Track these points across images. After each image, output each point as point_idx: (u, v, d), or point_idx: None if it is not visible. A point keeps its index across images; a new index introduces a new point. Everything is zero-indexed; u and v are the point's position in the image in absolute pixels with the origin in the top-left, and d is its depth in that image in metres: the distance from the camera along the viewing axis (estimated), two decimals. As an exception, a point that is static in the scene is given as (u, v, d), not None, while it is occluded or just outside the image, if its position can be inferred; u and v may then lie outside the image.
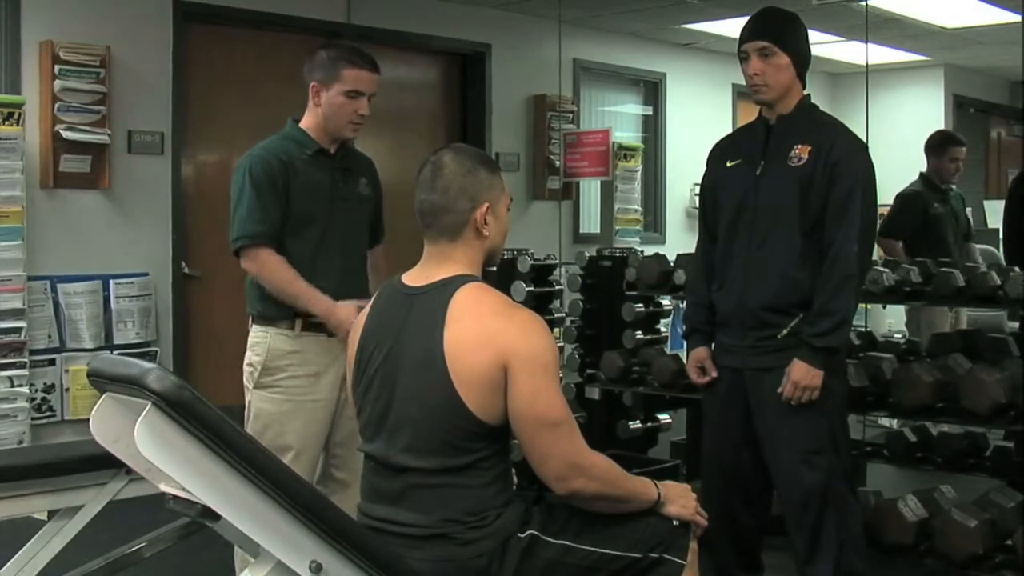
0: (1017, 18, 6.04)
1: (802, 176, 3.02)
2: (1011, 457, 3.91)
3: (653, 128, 8.22)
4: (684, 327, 3.44)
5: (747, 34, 3.12)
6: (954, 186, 5.66)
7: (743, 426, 3.15)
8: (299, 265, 3.01)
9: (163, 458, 1.85)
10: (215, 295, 5.68)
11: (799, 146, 3.05)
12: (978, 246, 5.91)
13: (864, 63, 6.36)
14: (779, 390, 3.01)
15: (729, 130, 7.17)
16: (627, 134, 7.99)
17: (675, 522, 2.23)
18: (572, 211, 7.49)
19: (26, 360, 4.94)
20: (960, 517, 3.45)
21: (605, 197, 7.13)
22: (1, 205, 4.83)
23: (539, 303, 4.67)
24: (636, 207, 7.27)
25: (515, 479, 2.25)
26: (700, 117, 8.17)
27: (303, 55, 3.20)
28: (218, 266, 5.62)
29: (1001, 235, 5.51)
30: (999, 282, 3.67)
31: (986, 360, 3.82)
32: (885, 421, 4.96)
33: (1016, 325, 4.41)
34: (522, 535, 2.12)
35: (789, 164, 3.05)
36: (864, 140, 3.26)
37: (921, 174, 5.64)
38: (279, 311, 3.04)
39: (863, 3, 6.36)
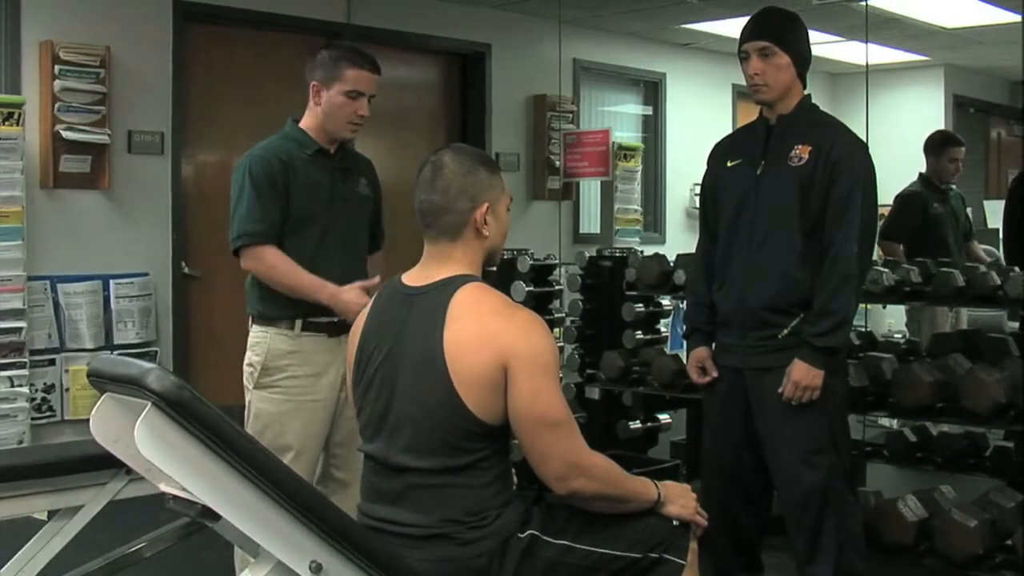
0: (1017, 18, 6.04)
1: (802, 176, 3.02)
2: (1011, 457, 3.91)
3: (653, 128, 8.22)
4: (685, 327, 3.44)
5: (747, 34, 3.12)
6: (954, 186, 5.66)
7: (743, 426, 3.15)
8: (299, 264, 3.01)
9: (163, 458, 1.85)
10: (215, 295, 5.68)
11: (799, 146, 3.05)
12: (981, 246, 5.91)
13: (864, 63, 6.36)
14: (779, 390, 3.01)
15: (729, 130, 7.17)
16: (627, 134, 7.99)
17: (675, 522, 2.23)
18: (572, 211, 7.50)
19: (26, 360, 4.94)
20: (960, 517, 3.45)
21: (605, 197, 7.13)
22: (1, 205, 4.83)
23: (539, 303, 4.67)
24: (636, 207, 7.27)
25: (515, 479, 2.25)
26: (700, 117, 8.17)
27: (303, 55, 3.21)
28: (218, 266, 5.61)
29: (1001, 235, 5.51)
30: (999, 282, 3.67)
31: (986, 360, 3.82)
32: (885, 421, 4.96)
33: (1016, 325, 4.41)
34: (522, 535, 2.12)
35: (789, 164, 3.05)
36: (864, 140, 3.27)
37: (920, 174, 5.64)
38: (279, 311, 3.04)
39: (863, 3, 6.36)
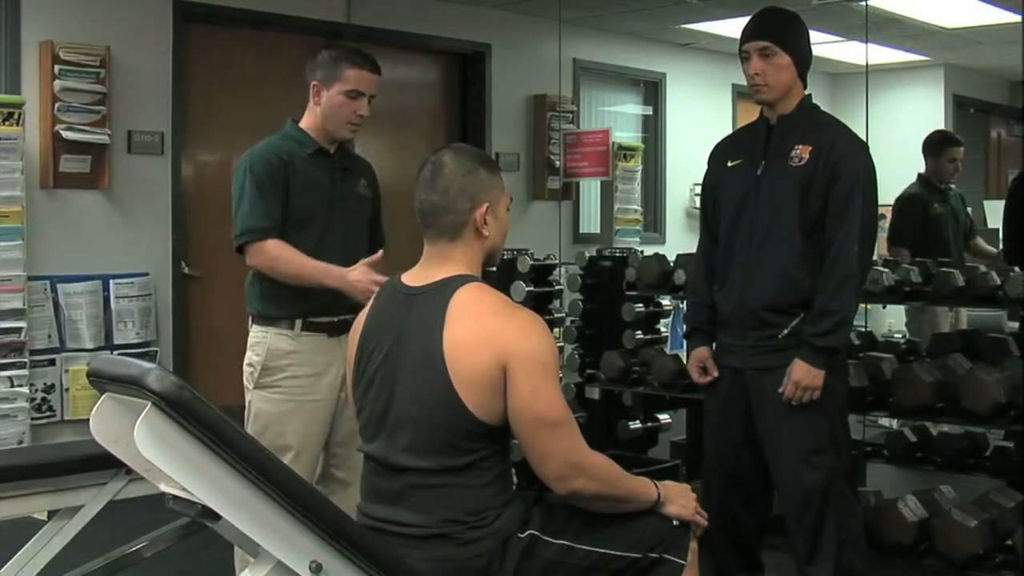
0: (1017, 18, 6.04)
1: (803, 176, 3.02)
2: (1011, 457, 3.91)
3: (653, 128, 8.22)
4: (685, 327, 3.44)
5: (748, 34, 3.12)
6: (953, 186, 5.66)
7: (744, 426, 3.15)
8: None
9: (163, 458, 1.85)
10: (215, 295, 5.68)
11: (800, 146, 3.05)
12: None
13: (864, 63, 6.35)
14: (780, 390, 3.01)
15: (729, 130, 7.17)
16: (627, 134, 7.98)
17: (675, 522, 2.23)
18: (572, 211, 7.49)
19: (26, 360, 4.94)
20: (960, 517, 3.45)
21: (605, 197, 7.13)
22: (1, 205, 4.83)
23: (539, 303, 4.67)
24: (636, 207, 7.27)
25: (515, 479, 2.25)
26: (700, 117, 8.17)
27: (303, 55, 3.22)
28: (218, 266, 5.62)
29: (1001, 235, 5.51)
30: (999, 282, 3.67)
31: (986, 360, 3.83)
32: (885, 421, 4.96)
33: (1016, 325, 4.41)
34: (522, 535, 2.12)
35: (790, 164, 3.05)
36: (864, 140, 3.27)
37: (919, 175, 5.64)
38: (279, 311, 3.04)
39: (863, 3, 6.36)
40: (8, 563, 2.87)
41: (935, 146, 5.59)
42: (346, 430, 3.05)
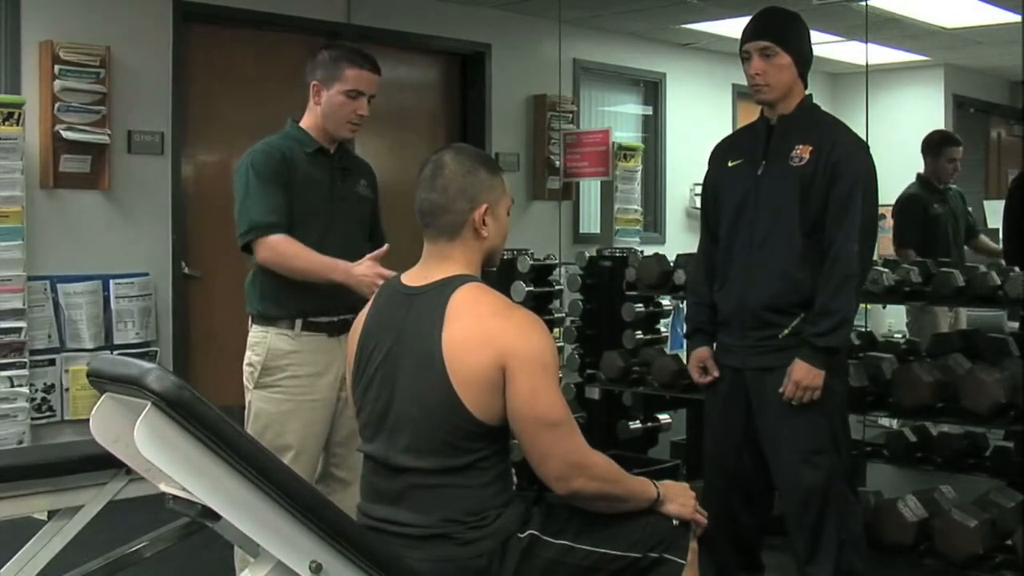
0: (1017, 18, 6.04)
1: (803, 176, 3.02)
2: (1011, 457, 3.91)
3: (653, 128, 8.22)
4: (686, 327, 3.44)
5: (749, 34, 3.12)
6: (953, 186, 5.65)
7: (744, 426, 3.15)
8: None
9: (163, 458, 1.85)
10: (215, 295, 5.67)
11: (800, 146, 3.05)
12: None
13: (864, 63, 6.35)
14: (780, 390, 3.01)
15: (729, 130, 7.18)
16: (627, 134, 7.98)
17: (675, 521, 2.23)
18: (572, 211, 7.49)
19: (26, 360, 4.94)
20: (960, 517, 3.45)
21: (605, 197, 7.13)
22: (1, 205, 4.83)
23: (539, 303, 4.67)
24: (636, 207, 7.27)
25: (515, 479, 2.25)
26: (700, 117, 8.17)
27: (303, 55, 3.22)
28: (218, 266, 5.62)
29: (1001, 235, 5.51)
30: (999, 282, 3.67)
31: (986, 360, 3.83)
32: (885, 421, 4.96)
33: (1016, 325, 4.41)
34: (522, 535, 2.12)
35: (790, 164, 3.05)
36: (864, 140, 3.27)
37: (918, 175, 5.63)
38: (279, 311, 3.04)
39: (863, 3, 6.36)
40: (8, 563, 2.87)
41: (934, 146, 5.59)
42: (346, 430, 3.05)
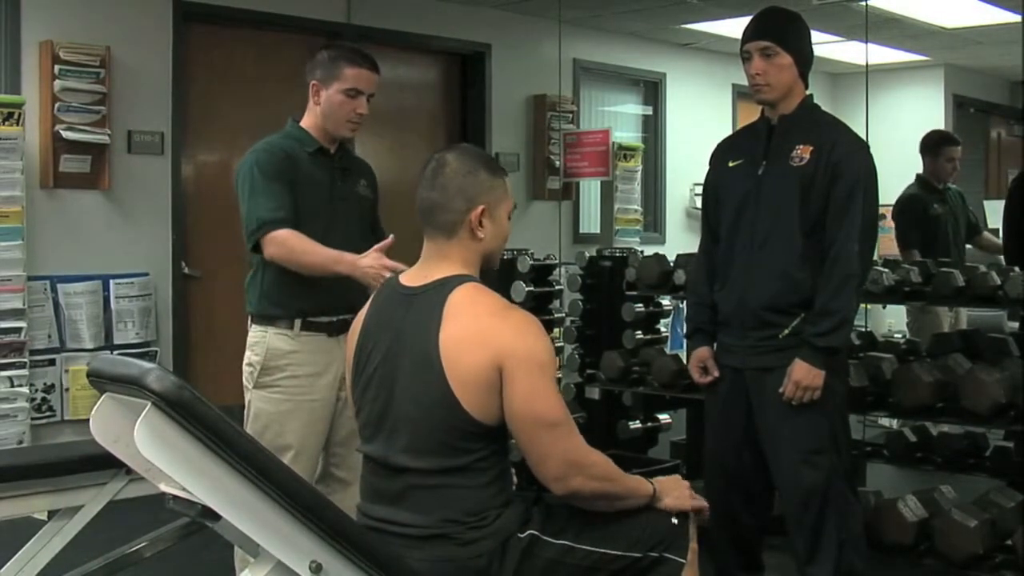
0: (1017, 18, 6.04)
1: (803, 176, 3.02)
2: (1011, 457, 3.91)
3: (653, 128, 8.22)
4: (686, 327, 3.44)
5: (749, 34, 3.12)
6: (952, 185, 5.65)
7: (744, 426, 3.15)
8: None
9: (163, 458, 1.85)
10: (215, 295, 5.67)
11: (801, 146, 3.05)
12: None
13: (864, 63, 6.35)
14: (780, 390, 3.01)
15: (729, 130, 7.19)
16: (627, 134, 7.98)
17: (674, 520, 2.23)
18: (572, 211, 7.49)
19: (26, 360, 4.94)
20: (960, 517, 3.45)
21: (605, 197, 7.13)
22: (1, 205, 4.83)
23: (539, 303, 4.67)
24: (636, 207, 7.27)
25: (515, 479, 2.25)
26: (700, 117, 8.17)
27: (303, 55, 3.21)
28: (218, 266, 5.62)
29: (1001, 235, 5.51)
30: (999, 282, 3.67)
31: (986, 360, 3.83)
32: (885, 421, 4.96)
33: (1016, 325, 4.41)
34: (522, 535, 2.12)
35: (791, 164, 3.05)
36: (865, 140, 3.27)
37: (918, 176, 5.63)
38: (278, 310, 3.04)
39: (863, 3, 6.35)
40: (8, 563, 2.87)
41: (933, 146, 5.58)
42: (346, 429, 3.05)
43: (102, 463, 2.81)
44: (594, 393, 4.81)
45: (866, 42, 6.38)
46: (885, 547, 3.57)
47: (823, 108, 3.23)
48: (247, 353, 3.08)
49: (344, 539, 1.97)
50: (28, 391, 4.94)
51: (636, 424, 4.92)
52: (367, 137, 5.89)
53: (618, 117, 8.06)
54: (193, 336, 5.69)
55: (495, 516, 2.12)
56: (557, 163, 7.15)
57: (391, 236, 2.98)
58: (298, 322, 3.03)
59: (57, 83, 5.03)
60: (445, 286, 2.16)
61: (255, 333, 3.08)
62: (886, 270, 3.89)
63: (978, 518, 3.45)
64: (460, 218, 2.20)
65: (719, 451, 3.26)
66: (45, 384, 5.09)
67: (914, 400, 3.70)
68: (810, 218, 3.02)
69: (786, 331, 3.04)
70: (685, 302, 3.99)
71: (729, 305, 3.16)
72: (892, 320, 7.51)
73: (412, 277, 2.26)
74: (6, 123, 4.82)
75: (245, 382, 3.08)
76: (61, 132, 5.04)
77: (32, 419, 4.98)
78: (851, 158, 3.02)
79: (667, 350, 4.93)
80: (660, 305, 4.95)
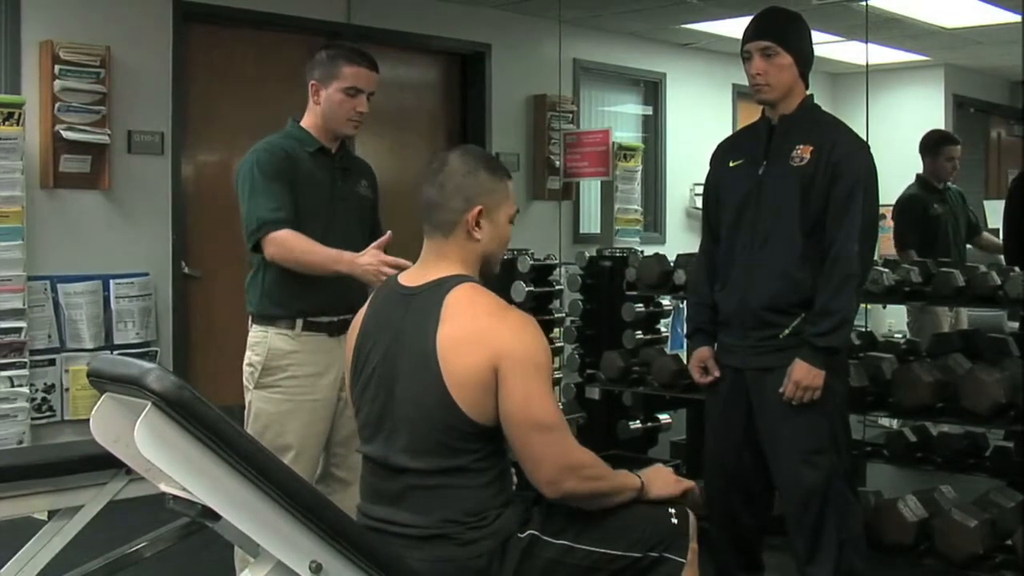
0: (1017, 18, 6.04)
1: (804, 176, 3.02)
2: (1011, 457, 3.91)
3: (653, 128, 8.22)
4: (687, 327, 3.44)
5: (750, 34, 3.12)
6: (952, 185, 5.65)
7: (745, 426, 3.15)
8: None
9: (163, 458, 1.85)
10: (215, 295, 5.67)
11: (801, 146, 3.05)
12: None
13: (864, 63, 6.35)
14: (780, 390, 3.01)
15: (729, 130, 7.19)
16: (627, 134, 7.98)
17: (674, 520, 2.22)
18: (572, 211, 7.49)
19: (26, 360, 4.94)
20: (960, 517, 3.45)
21: (605, 197, 7.13)
22: (1, 205, 4.83)
23: (539, 303, 4.67)
24: (636, 207, 7.27)
25: (515, 479, 2.25)
26: (700, 117, 8.17)
27: (303, 55, 3.21)
28: (218, 266, 5.62)
29: (1001, 235, 5.51)
30: (999, 282, 3.67)
31: (986, 360, 3.83)
32: (885, 421, 4.96)
33: (1016, 325, 4.41)
34: (522, 535, 2.12)
35: (791, 164, 3.05)
36: (865, 140, 3.27)
37: (917, 175, 5.63)
38: (279, 310, 3.04)
39: (863, 3, 6.35)
40: (8, 563, 2.87)
41: (932, 145, 5.58)
42: (347, 430, 3.05)
43: (102, 463, 2.81)
44: (594, 393, 4.81)
45: (866, 42, 6.38)
46: (885, 547, 3.57)
47: (823, 108, 3.23)
48: (248, 353, 3.08)
49: (344, 539, 1.97)
50: (28, 391, 4.94)
51: (636, 424, 4.92)
52: (367, 137, 5.88)
53: (618, 117, 8.06)
54: (193, 336, 5.69)
55: (495, 516, 2.12)
56: (557, 163, 7.15)
57: (388, 232, 2.97)
58: (299, 322, 3.03)
59: (57, 83, 5.03)
60: (443, 286, 2.16)
61: (256, 333, 3.08)
62: (886, 270, 3.89)
63: (978, 518, 3.45)
64: (457, 217, 2.20)
65: (719, 451, 3.26)
66: (45, 384, 5.09)
67: (914, 400, 3.70)
68: (810, 218, 3.02)
69: (786, 331, 3.04)
70: (685, 302, 3.99)
71: (729, 305, 3.16)
72: (892, 320, 7.51)
73: (411, 277, 2.26)
74: (6, 123, 4.82)
75: (246, 382, 3.08)
76: (61, 132, 5.04)
77: (32, 419, 4.98)
78: (851, 158, 3.02)
79: (667, 350, 4.93)
80: (660, 305, 4.95)
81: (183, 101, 5.61)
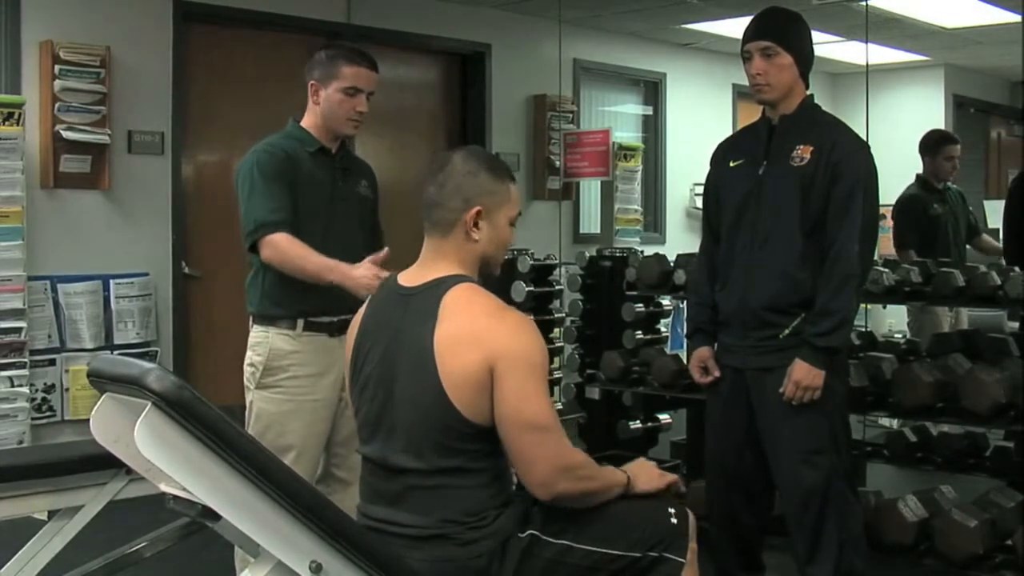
0: (1017, 18, 6.04)
1: (804, 176, 3.02)
2: (1011, 457, 3.91)
3: (653, 128, 8.22)
4: (687, 327, 3.44)
5: (750, 34, 3.12)
6: (952, 185, 5.65)
7: (745, 426, 3.15)
8: None
9: (163, 458, 1.85)
10: (215, 295, 5.67)
11: (801, 146, 3.05)
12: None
13: (864, 63, 6.35)
14: (780, 390, 3.01)
15: (729, 130, 7.19)
16: (627, 134, 7.98)
17: (674, 520, 2.23)
18: (572, 211, 7.49)
19: (26, 360, 4.94)
20: (960, 517, 3.45)
21: (605, 197, 7.13)
22: (1, 205, 4.83)
23: (539, 303, 4.67)
24: (636, 207, 7.26)
25: (515, 479, 2.25)
26: (700, 117, 8.17)
27: (303, 55, 3.21)
28: (218, 266, 5.62)
29: (1001, 235, 5.51)
30: (999, 282, 3.67)
31: (986, 360, 3.83)
32: (885, 421, 4.96)
33: (1016, 325, 4.41)
34: (522, 535, 2.12)
35: (791, 164, 3.05)
36: (865, 140, 3.27)
37: (917, 176, 5.63)
38: (280, 311, 3.04)
39: (863, 3, 6.35)
40: (8, 563, 2.87)
41: (932, 145, 5.58)
42: (347, 430, 3.05)
43: (102, 463, 2.81)
44: (594, 393, 4.81)
45: (866, 42, 6.38)
46: (885, 547, 3.57)
47: (823, 108, 3.23)
48: (249, 353, 3.08)
49: (344, 539, 1.97)
50: (28, 391, 4.94)
51: (636, 424, 4.92)
52: (367, 137, 5.88)
53: (618, 117, 8.06)
54: (193, 336, 5.69)
55: (495, 516, 2.12)
56: (557, 163, 7.15)
57: (386, 249, 2.96)
58: (300, 322, 3.03)
59: (57, 83, 5.03)
60: (441, 286, 2.16)
61: (257, 333, 3.07)
62: (886, 270, 3.89)
63: (978, 518, 3.45)
64: (455, 217, 2.20)
65: (720, 451, 3.26)
66: (45, 384, 5.09)
67: (914, 400, 3.70)
68: (810, 218, 3.02)
69: (786, 331, 3.04)
70: (685, 302, 3.99)
71: (730, 305, 3.16)
72: (892, 320, 7.51)
73: (410, 277, 2.26)
74: (6, 123, 4.82)
75: (246, 382, 3.08)
76: (61, 132, 5.04)
77: (32, 419, 4.98)
78: (851, 158, 3.02)
79: (667, 350, 4.93)
80: (660, 305, 4.96)
81: (183, 101, 5.61)
